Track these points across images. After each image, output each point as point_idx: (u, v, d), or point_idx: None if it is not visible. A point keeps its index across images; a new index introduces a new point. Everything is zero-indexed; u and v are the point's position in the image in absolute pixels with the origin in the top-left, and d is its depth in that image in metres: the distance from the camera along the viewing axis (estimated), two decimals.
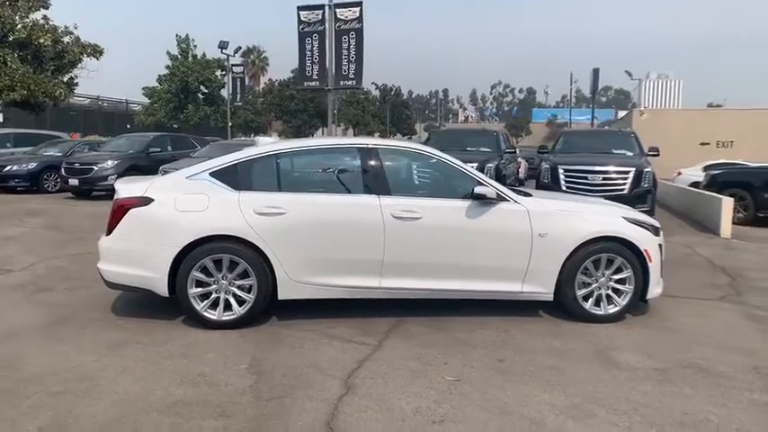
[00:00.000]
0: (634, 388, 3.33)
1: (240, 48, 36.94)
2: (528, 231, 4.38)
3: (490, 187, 4.36)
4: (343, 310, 4.45)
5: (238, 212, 4.17)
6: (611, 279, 4.51)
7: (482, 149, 11.04)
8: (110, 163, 13.14)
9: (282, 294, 4.25)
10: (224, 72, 34.60)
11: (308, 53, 17.26)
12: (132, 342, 3.93)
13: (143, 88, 35.57)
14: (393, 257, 4.27)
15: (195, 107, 34.85)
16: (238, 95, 36.09)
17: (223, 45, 30.89)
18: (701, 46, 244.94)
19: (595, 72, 44.91)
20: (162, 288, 4.17)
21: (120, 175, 12.83)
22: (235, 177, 4.30)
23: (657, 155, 10.04)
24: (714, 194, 10.38)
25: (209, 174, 4.31)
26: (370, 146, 4.52)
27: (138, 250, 4.17)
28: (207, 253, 4.12)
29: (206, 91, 35.87)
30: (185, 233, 4.10)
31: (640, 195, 9.06)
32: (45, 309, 4.68)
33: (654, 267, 4.52)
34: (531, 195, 4.71)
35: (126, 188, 4.31)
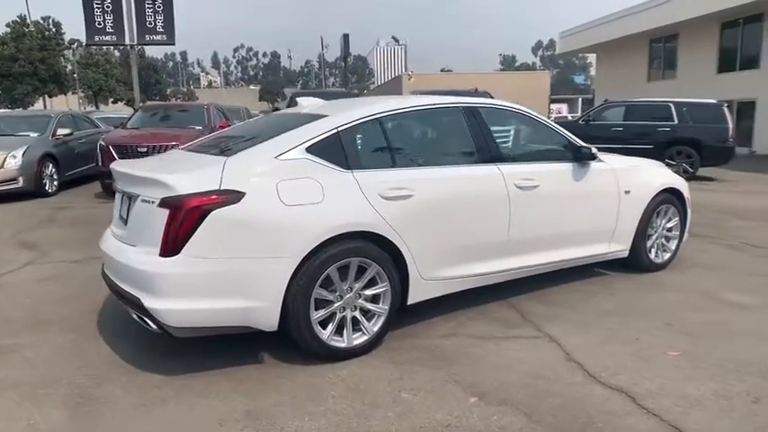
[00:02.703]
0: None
1: None
2: (617, 190, 4.28)
3: (589, 147, 4.09)
4: (430, 308, 3.71)
5: (363, 199, 3.09)
6: (665, 228, 4.73)
7: None
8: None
9: (413, 298, 3.36)
10: None
11: None
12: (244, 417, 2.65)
13: None
14: (516, 234, 3.72)
15: None
16: None
17: None
18: (420, 16, 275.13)
19: (345, 38, 46.61)
20: (270, 320, 2.89)
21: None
22: (340, 152, 3.15)
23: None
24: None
25: (306, 149, 3.07)
26: (471, 105, 3.78)
27: (233, 271, 2.78)
28: (333, 259, 2.96)
29: None
30: (304, 237, 2.87)
31: None
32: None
33: (689, 213, 4.89)
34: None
35: (185, 179, 2.79)
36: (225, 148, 3.26)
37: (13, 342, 3.42)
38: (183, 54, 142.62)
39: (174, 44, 14.63)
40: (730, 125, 11.71)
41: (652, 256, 4.65)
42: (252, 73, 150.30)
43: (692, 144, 11.60)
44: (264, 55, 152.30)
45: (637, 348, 3.24)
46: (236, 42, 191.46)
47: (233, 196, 2.76)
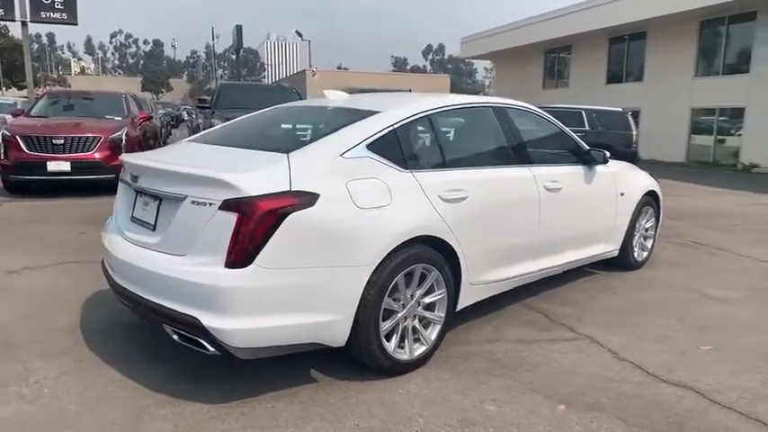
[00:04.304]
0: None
1: None
2: (615, 191, 4.47)
3: (602, 152, 4.21)
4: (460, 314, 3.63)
5: (426, 202, 2.91)
6: (644, 228, 5.03)
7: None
8: None
9: (461, 303, 3.24)
10: None
11: None
12: None
13: None
14: (544, 235, 3.74)
15: None
16: None
17: None
18: (318, 14, 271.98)
19: (238, 29, 44.79)
20: (340, 335, 2.62)
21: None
22: (398, 151, 2.93)
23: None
24: None
25: (367, 147, 2.82)
26: (502, 105, 3.73)
27: (307, 283, 2.48)
28: (402, 267, 2.75)
29: None
30: (380, 243, 2.64)
31: None
32: None
33: (662, 214, 5.24)
34: None
35: (253, 178, 2.43)
36: (268, 144, 2.91)
37: None
38: (51, 36, 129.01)
39: (76, 24, 13.03)
40: (635, 131, 12.85)
41: (635, 254, 4.92)
42: (131, 61, 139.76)
43: (604, 149, 12.54)
44: (146, 42, 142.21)
45: (671, 345, 3.38)
46: (113, 27, 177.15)
47: (307, 198, 2.46)
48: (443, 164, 3.21)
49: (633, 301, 4.18)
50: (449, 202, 3.01)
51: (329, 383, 2.80)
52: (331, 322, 2.57)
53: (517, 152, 3.65)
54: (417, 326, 2.95)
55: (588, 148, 4.23)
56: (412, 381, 2.84)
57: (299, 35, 39.60)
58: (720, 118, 17.96)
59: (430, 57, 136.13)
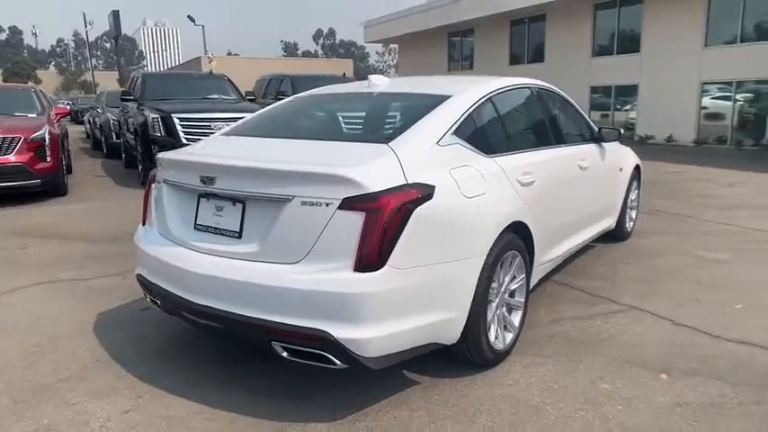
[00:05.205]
0: None
1: None
2: (617, 168, 4.68)
3: (613, 128, 4.37)
4: None
5: (511, 188, 2.86)
6: (632, 200, 5.33)
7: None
8: None
9: (530, 286, 3.23)
10: None
11: None
12: None
13: None
14: (578, 212, 3.86)
15: None
16: None
17: None
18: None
19: (116, 15, 41.26)
20: (456, 331, 2.52)
21: None
22: (478, 135, 2.84)
23: (254, 100, 10.22)
24: None
25: (454, 133, 2.69)
26: (535, 86, 3.73)
27: (433, 280, 2.33)
28: (501, 255, 2.69)
29: None
30: (488, 232, 2.56)
31: None
32: None
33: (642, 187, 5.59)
34: None
35: (370, 172, 2.22)
36: (350, 135, 2.69)
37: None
38: None
39: None
40: None
41: (627, 225, 5.21)
42: None
43: None
44: (1, 30, 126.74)
45: (708, 307, 3.62)
46: None
47: (427, 191, 2.31)
48: (511, 147, 3.16)
49: (647, 269, 4.42)
50: (524, 186, 2.98)
51: (433, 384, 2.68)
52: (450, 319, 2.45)
53: (556, 132, 3.70)
54: (505, 313, 2.91)
55: (598, 127, 4.39)
56: (511, 370, 2.80)
57: (192, 20, 36.89)
58: (617, 96, 19.51)
59: (321, 41, 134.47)
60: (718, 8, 16.09)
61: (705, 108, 16.76)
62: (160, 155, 2.82)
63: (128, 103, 9.63)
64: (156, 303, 2.77)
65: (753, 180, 9.43)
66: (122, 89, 9.74)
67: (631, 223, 5.39)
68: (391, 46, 63.17)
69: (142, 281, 2.85)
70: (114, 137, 11.81)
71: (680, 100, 16.94)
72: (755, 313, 3.50)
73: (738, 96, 16.03)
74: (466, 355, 2.67)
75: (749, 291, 3.91)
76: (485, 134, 2.92)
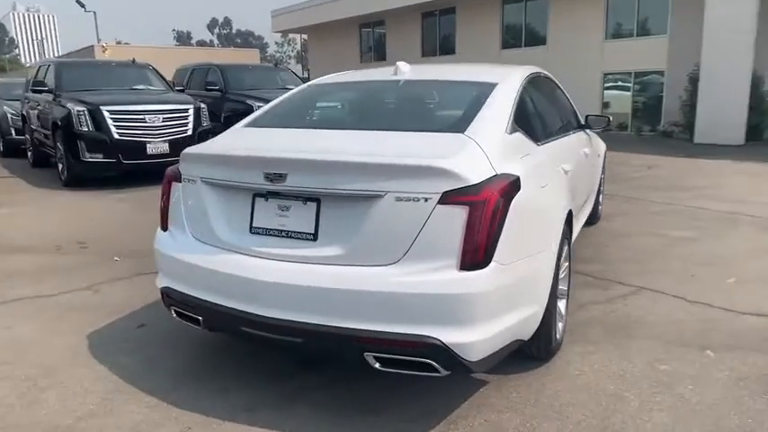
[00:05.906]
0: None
1: None
2: (596, 153, 4.84)
3: (602, 116, 4.49)
4: None
5: (563, 177, 2.84)
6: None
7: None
8: None
9: None
10: None
11: None
12: None
13: None
14: (581, 198, 3.92)
15: None
16: None
17: None
18: None
19: None
20: (534, 327, 2.43)
21: None
22: (528, 123, 2.78)
23: (183, 90, 9.73)
24: None
25: (514, 121, 2.60)
26: (545, 74, 3.71)
27: (525, 275, 2.23)
28: (563, 244, 2.66)
29: None
30: (558, 222, 2.56)
31: (203, 135, 7.91)
32: None
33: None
34: None
35: (465, 163, 2.06)
36: (411, 124, 2.51)
37: None
38: None
39: None
40: None
41: (599, 209, 5.44)
42: None
43: None
44: None
45: (707, 283, 3.83)
46: None
47: (516, 181, 2.19)
48: (548, 135, 3.12)
49: (628, 250, 4.63)
50: (566, 173, 2.97)
51: (502, 382, 2.59)
52: (535, 314, 2.37)
53: (564, 120, 3.74)
54: (558, 303, 2.88)
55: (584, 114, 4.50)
56: (571, 360, 2.79)
57: (82, 5, 33.41)
58: None
59: (216, 31, 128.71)
60: (615, 5, 17.37)
61: (607, 97, 18.08)
62: (192, 150, 2.47)
63: (37, 95, 8.55)
64: (197, 321, 2.43)
65: (668, 163, 10.27)
66: (35, 81, 8.51)
67: (600, 207, 5.63)
68: (291, 36, 61.98)
69: (172, 295, 2.48)
70: (14, 132, 10.48)
71: (584, 89, 18.13)
72: (752, 286, 3.76)
73: (636, 86, 17.46)
74: (533, 349, 2.61)
75: (731, 265, 4.21)
76: (531, 122, 2.86)
